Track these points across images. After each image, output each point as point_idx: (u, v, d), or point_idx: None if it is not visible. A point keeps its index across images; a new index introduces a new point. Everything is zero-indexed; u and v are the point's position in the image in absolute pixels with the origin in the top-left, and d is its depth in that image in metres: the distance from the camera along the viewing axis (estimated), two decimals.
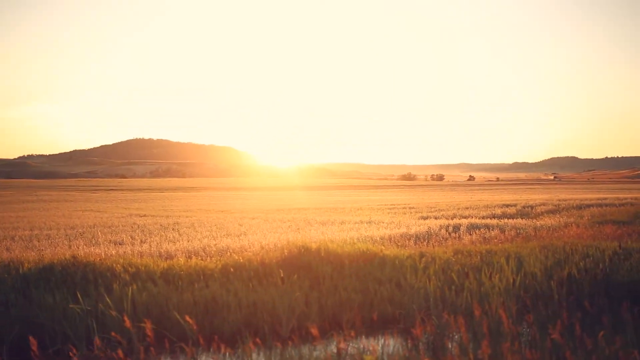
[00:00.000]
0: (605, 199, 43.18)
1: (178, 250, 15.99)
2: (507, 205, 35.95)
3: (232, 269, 11.82)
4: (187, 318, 7.47)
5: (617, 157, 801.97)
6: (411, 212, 32.20)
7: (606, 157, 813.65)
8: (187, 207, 42.61)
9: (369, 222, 24.72)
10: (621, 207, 33.61)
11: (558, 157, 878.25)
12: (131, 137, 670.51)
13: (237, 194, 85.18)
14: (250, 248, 15.96)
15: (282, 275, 10.88)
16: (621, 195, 50.60)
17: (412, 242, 18.17)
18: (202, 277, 11.32)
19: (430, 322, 8.65)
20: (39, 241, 18.74)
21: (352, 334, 8.86)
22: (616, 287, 10.94)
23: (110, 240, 18.90)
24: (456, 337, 8.11)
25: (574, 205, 35.97)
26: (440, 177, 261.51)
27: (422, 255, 13.41)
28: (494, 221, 24.45)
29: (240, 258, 12.61)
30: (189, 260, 13.08)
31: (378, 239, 18.35)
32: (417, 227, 21.97)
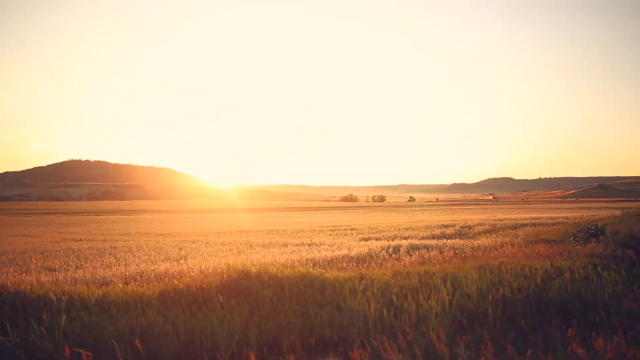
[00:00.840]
0: (539, 218, 44.71)
1: (115, 275, 15.58)
2: (446, 226, 36.74)
3: (170, 295, 11.59)
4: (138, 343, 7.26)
5: (550, 178, 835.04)
6: (352, 234, 32.44)
7: (539, 178, 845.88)
8: (126, 231, 41.63)
9: (311, 244, 24.75)
10: (553, 226, 34.88)
11: (495, 178, 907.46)
12: (66, 159, 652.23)
13: (177, 216, 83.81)
14: (189, 273, 15.70)
15: (221, 300, 10.73)
16: (553, 215, 52.52)
17: (353, 264, 18.27)
18: (139, 304, 11.04)
19: (370, 345, 8.71)
20: None
21: (292, 358, 8.82)
22: (547, 305, 11.28)
23: (42, 267, 18.24)
24: (395, 358, 8.17)
25: (510, 225, 37.12)
26: (382, 198, 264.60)
27: (361, 277, 13.51)
28: (433, 242, 24.90)
29: (179, 284, 12.37)
30: (125, 286, 12.75)
31: (320, 261, 18.39)
32: (358, 248, 22.12)
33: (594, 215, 47.19)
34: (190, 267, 16.70)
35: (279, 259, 18.51)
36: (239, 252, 21.99)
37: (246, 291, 11.90)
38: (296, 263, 17.44)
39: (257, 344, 9.74)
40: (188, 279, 13.65)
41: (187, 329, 9.87)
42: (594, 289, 12.00)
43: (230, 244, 25.99)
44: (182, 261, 18.72)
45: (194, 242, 27.82)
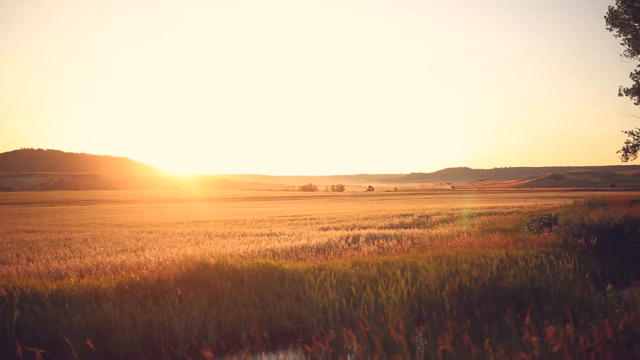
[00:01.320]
0: (495, 207, 45.50)
1: (69, 268, 15.24)
2: (405, 215, 37.07)
3: (127, 288, 11.40)
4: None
5: (505, 167, 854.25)
6: (312, 224, 32.48)
7: (495, 168, 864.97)
8: (81, 222, 40.77)
9: (270, 235, 24.69)
10: (508, 215, 35.55)
11: (452, 168, 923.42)
12: (18, 148, 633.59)
13: (134, 206, 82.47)
14: (147, 264, 15.48)
15: (179, 293, 10.62)
16: (508, 204, 53.52)
17: (312, 254, 18.31)
18: (94, 298, 10.84)
19: (329, 335, 8.75)
20: None
21: (250, 350, 8.80)
22: (502, 293, 11.53)
23: None
24: (354, 348, 8.23)
25: (466, 214, 37.66)
26: (341, 188, 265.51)
27: (321, 268, 13.55)
28: (392, 231, 25.10)
29: (136, 276, 12.18)
30: (80, 280, 12.47)
31: (279, 251, 18.36)
32: (318, 238, 22.16)
33: (547, 204, 48.30)
34: (148, 259, 16.46)
35: (238, 249, 18.41)
36: (198, 242, 21.78)
37: (205, 283, 11.81)
38: (255, 254, 17.39)
39: (216, 337, 9.69)
40: (145, 271, 13.45)
41: (144, 322, 9.74)
42: (546, 277, 12.30)
43: (188, 234, 25.72)
44: (139, 252, 18.44)
45: (151, 232, 27.43)
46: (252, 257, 15.52)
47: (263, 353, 9.33)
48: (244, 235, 24.79)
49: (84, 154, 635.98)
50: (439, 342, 6.24)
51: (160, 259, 16.25)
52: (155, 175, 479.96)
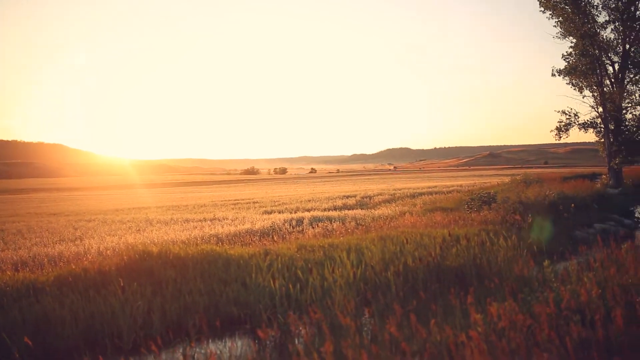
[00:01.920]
0: (435, 187, 46.35)
1: (3, 261, 14.61)
2: (348, 197, 37.28)
3: (67, 280, 11.04)
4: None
5: (444, 147, 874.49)
6: (255, 207, 32.30)
7: (435, 148, 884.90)
8: (14, 212, 39.26)
9: (213, 220, 24.40)
10: (449, 194, 36.17)
11: (393, 149, 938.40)
12: None
13: (71, 194, 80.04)
14: (86, 255, 15.02)
15: (122, 284, 10.36)
16: (449, 183, 54.68)
17: (257, 238, 18.19)
18: (32, 292, 10.44)
19: (277, 321, 8.73)
20: None
21: (197, 339, 8.69)
22: (446, 272, 11.77)
23: None
24: (302, 332, 8.23)
25: (408, 194, 38.17)
26: (283, 171, 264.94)
27: (266, 252, 13.48)
28: (336, 213, 25.17)
29: (76, 267, 11.81)
30: (16, 273, 11.99)
31: (223, 236, 18.16)
32: (262, 222, 22.04)
33: (485, 183, 49.51)
34: (87, 249, 15.98)
35: (181, 236, 18.11)
36: (139, 230, 21.31)
37: (148, 272, 11.56)
38: (199, 239, 17.16)
39: (162, 326, 9.51)
40: (85, 261, 13.05)
41: (86, 315, 9.47)
42: (488, 255, 12.61)
43: (129, 221, 25.14)
44: (78, 242, 17.89)
45: (90, 221, 26.66)
46: (196, 244, 15.32)
47: (210, 341, 9.23)
48: (186, 221, 24.42)
49: (16, 141, 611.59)
50: (386, 322, 6.30)
51: (101, 249, 15.81)
52: (92, 161, 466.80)
